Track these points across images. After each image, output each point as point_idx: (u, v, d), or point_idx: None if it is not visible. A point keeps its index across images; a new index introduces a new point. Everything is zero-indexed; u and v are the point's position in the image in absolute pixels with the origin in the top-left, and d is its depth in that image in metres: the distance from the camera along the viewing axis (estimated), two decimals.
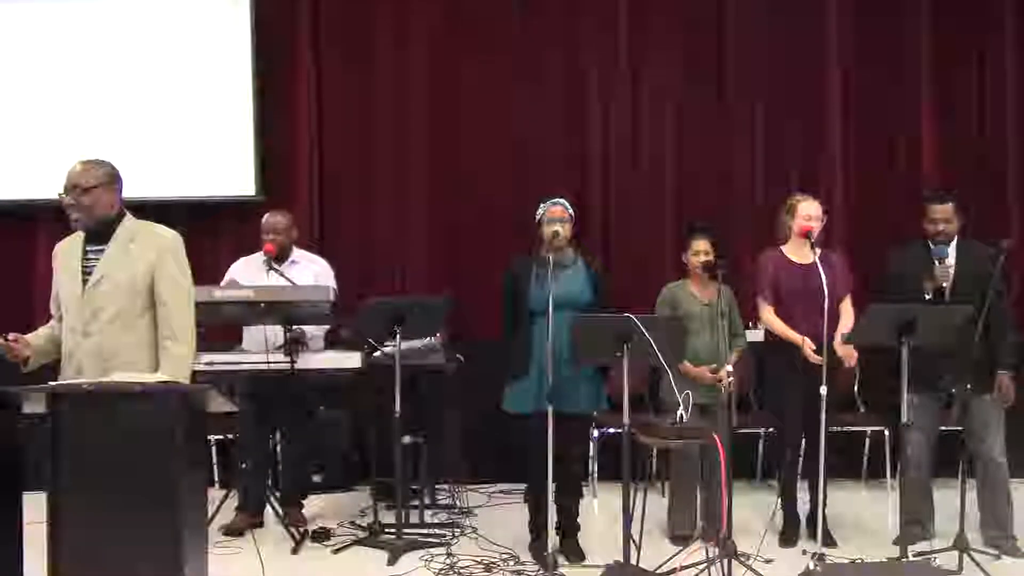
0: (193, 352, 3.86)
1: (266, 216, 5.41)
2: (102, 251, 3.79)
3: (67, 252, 3.87)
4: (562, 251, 4.64)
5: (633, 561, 4.29)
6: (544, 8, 6.67)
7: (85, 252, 3.81)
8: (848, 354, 4.74)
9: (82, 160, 3.81)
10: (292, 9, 6.65)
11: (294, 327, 5.11)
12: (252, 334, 5.27)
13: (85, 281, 3.77)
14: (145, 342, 3.80)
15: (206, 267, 5.18)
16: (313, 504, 5.59)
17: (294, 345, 5.02)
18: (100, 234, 3.80)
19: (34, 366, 3.83)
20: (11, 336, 3.75)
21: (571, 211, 4.73)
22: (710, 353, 4.83)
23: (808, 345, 4.68)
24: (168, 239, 3.87)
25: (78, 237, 3.85)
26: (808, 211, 4.84)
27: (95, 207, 3.76)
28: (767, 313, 4.90)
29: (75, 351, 3.77)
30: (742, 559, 4.42)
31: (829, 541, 4.78)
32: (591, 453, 5.82)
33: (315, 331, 5.30)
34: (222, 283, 5.23)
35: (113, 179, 3.82)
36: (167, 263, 3.81)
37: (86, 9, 6.54)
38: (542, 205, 4.72)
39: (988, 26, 6.65)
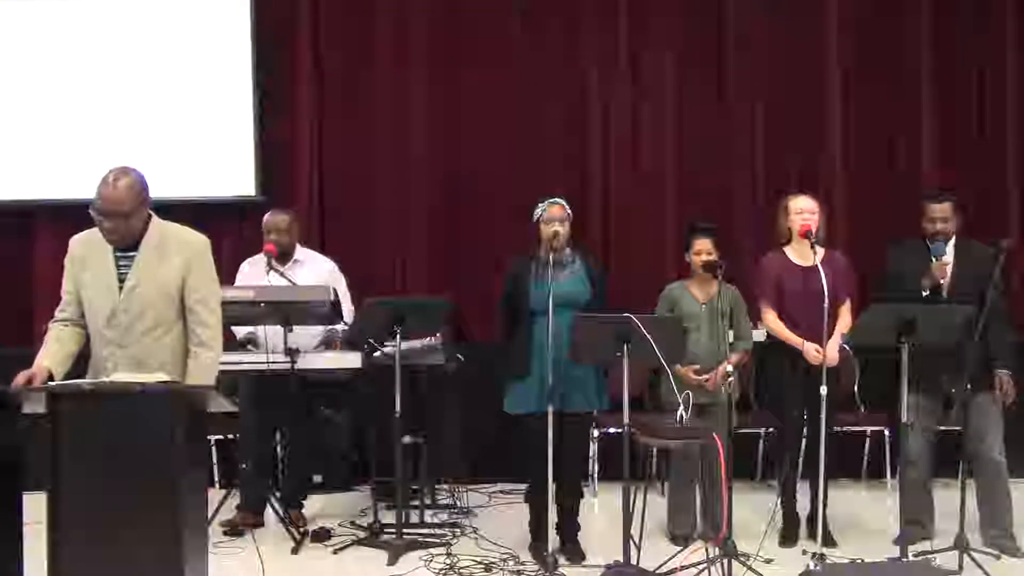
0: (218, 355, 3.83)
1: (267, 216, 5.41)
2: (132, 257, 3.72)
3: (93, 253, 3.75)
4: (561, 251, 4.63)
5: (633, 561, 4.29)
6: (544, 8, 6.68)
7: (116, 258, 3.73)
8: (831, 357, 4.70)
9: (114, 174, 3.64)
10: (292, 9, 6.65)
11: (330, 328, 5.21)
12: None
13: (120, 289, 3.70)
14: (180, 347, 3.78)
15: None
16: (313, 504, 5.59)
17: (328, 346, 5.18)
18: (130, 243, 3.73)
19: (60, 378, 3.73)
20: (29, 380, 3.58)
21: (569, 210, 4.73)
22: (709, 353, 4.83)
23: (810, 348, 4.67)
24: (198, 244, 3.83)
25: (101, 237, 3.75)
26: (799, 206, 4.85)
27: (135, 229, 3.69)
28: (770, 317, 4.89)
29: (110, 359, 3.72)
30: (742, 559, 4.41)
31: (829, 541, 4.78)
32: (591, 453, 5.82)
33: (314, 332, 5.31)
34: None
35: (144, 191, 3.70)
36: (197, 269, 3.78)
37: (86, 9, 6.54)
38: (540, 205, 4.72)
39: (988, 26, 6.65)
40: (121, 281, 3.72)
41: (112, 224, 3.64)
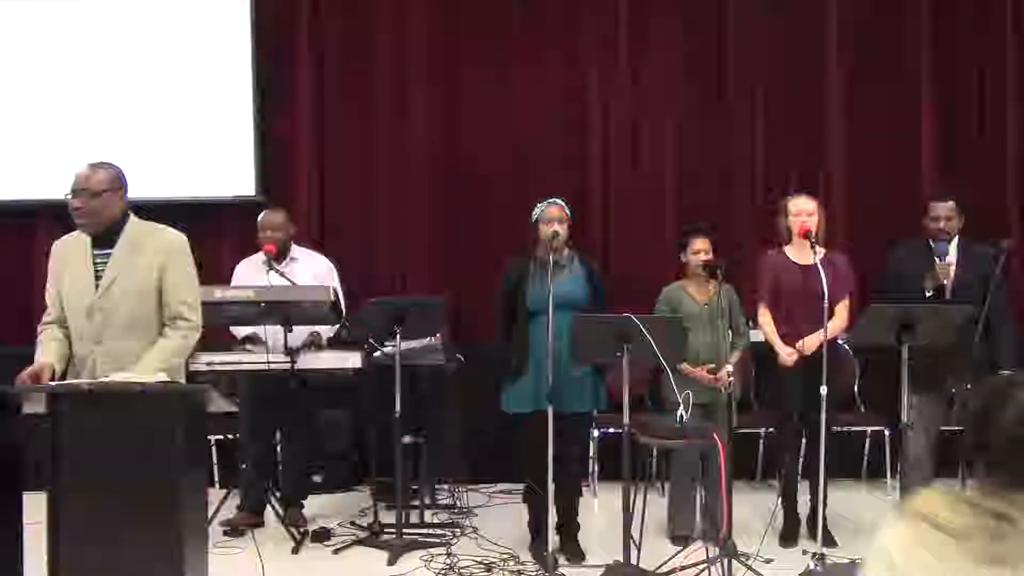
0: (187, 348, 3.80)
1: (262, 215, 5.41)
2: (109, 255, 3.74)
3: (71, 253, 3.80)
4: (560, 251, 4.63)
5: (633, 561, 4.29)
6: (544, 8, 6.68)
7: (93, 256, 3.75)
8: (809, 345, 4.72)
9: (89, 163, 3.77)
10: (292, 9, 6.66)
11: (313, 332, 5.20)
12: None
13: (97, 287, 3.71)
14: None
15: (206, 267, 5.17)
16: (313, 504, 5.59)
17: (310, 347, 5.15)
18: (106, 237, 3.75)
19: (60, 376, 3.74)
20: (36, 377, 3.59)
21: (568, 211, 4.73)
22: (710, 353, 4.83)
23: (787, 354, 4.72)
24: (176, 241, 3.84)
25: (80, 238, 3.80)
26: (799, 207, 4.85)
27: (104, 212, 3.72)
28: (764, 316, 4.89)
29: (88, 357, 3.72)
30: (742, 559, 4.41)
31: (829, 541, 4.77)
32: (591, 453, 5.82)
33: (327, 332, 5.33)
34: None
35: (121, 183, 3.78)
36: (175, 265, 3.78)
37: (86, 9, 6.54)
38: (539, 205, 4.72)
39: (988, 26, 6.65)
40: (98, 278, 3.73)
41: (79, 201, 3.68)
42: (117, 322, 3.71)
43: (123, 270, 3.73)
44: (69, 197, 3.71)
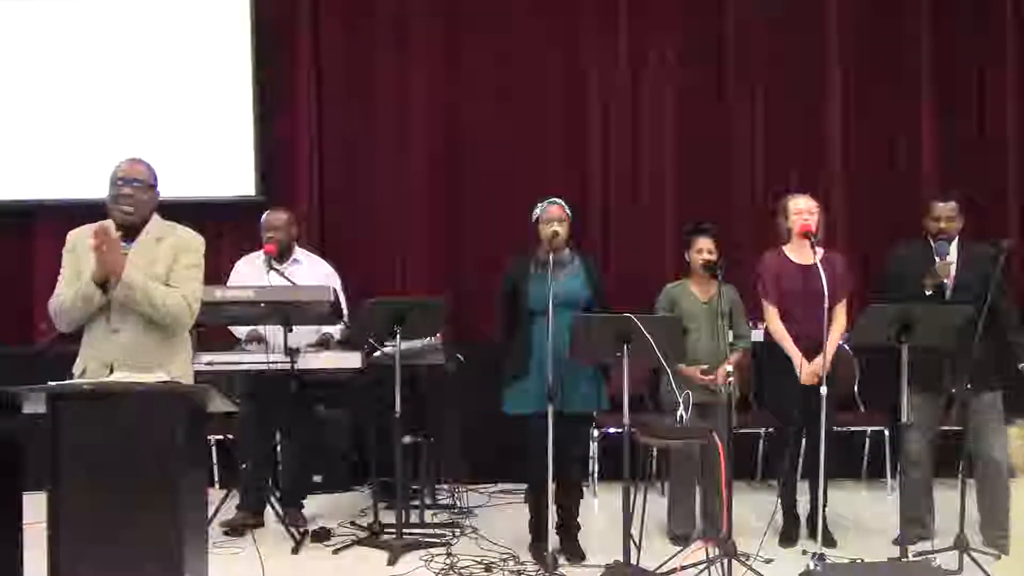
0: (183, 310, 3.78)
1: (265, 215, 5.42)
2: (130, 248, 3.78)
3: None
4: (560, 250, 4.63)
5: (633, 561, 4.29)
6: (544, 8, 6.68)
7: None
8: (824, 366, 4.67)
9: (133, 158, 3.86)
10: (292, 8, 6.66)
11: (323, 332, 5.23)
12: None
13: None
14: (175, 341, 3.81)
15: (206, 267, 5.19)
16: (313, 504, 5.59)
17: (320, 348, 5.18)
18: (131, 231, 3.80)
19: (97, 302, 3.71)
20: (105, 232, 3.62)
21: (568, 211, 4.73)
22: (710, 353, 4.83)
23: (804, 366, 4.71)
24: (191, 240, 3.91)
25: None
26: (799, 206, 4.84)
27: (149, 205, 3.83)
28: (772, 317, 4.88)
29: (104, 346, 3.74)
30: (742, 559, 4.41)
31: (829, 541, 4.77)
32: (591, 453, 5.83)
33: (338, 332, 5.35)
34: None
35: (157, 182, 3.90)
36: (183, 260, 3.83)
37: (86, 9, 6.55)
38: (539, 205, 4.72)
39: (988, 26, 6.66)
40: None
41: (130, 189, 3.76)
42: (134, 315, 3.72)
43: (142, 264, 3.76)
44: (113, 184, 3.76)
